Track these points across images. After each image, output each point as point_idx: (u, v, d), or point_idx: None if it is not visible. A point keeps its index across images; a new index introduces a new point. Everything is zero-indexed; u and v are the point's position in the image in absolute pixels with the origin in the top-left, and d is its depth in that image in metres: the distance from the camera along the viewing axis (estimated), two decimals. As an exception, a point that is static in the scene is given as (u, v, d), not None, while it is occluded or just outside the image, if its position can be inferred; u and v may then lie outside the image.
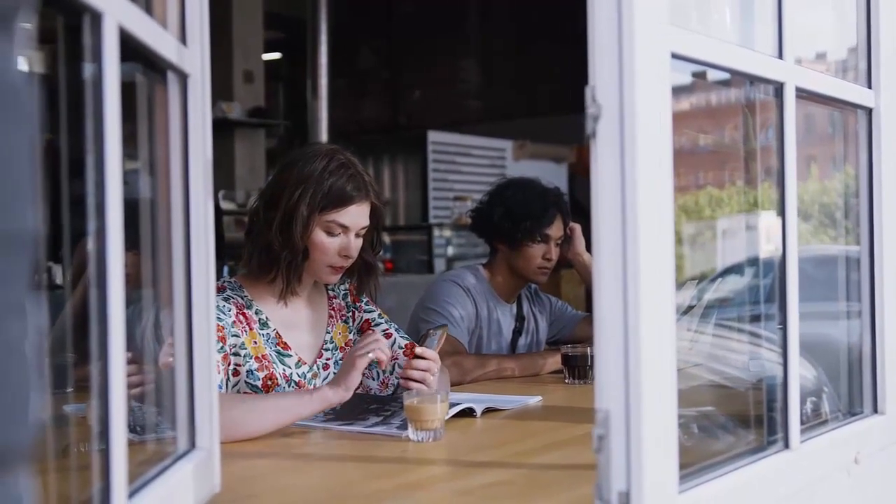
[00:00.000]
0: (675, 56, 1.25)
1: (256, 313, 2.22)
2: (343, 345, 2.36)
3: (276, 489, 1.60)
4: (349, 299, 2.42)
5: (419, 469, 1.72)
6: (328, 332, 2.35)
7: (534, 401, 2.35)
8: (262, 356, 2.18)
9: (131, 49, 1.11)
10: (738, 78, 1.60)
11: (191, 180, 1.37)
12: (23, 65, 0.60)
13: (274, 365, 2.19)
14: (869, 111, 1.81)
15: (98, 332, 1.01)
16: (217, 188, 1.66)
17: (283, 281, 2.22)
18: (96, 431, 1.06)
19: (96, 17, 0.99)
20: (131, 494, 1.09)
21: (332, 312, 2.38)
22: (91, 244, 1.02)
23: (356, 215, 2.21)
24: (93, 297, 1.02)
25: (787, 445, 1.51)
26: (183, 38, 1.35)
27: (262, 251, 2.20)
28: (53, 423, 1.33)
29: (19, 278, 0.58)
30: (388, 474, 1.67)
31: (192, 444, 1.37)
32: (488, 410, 2.19)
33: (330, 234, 2.19)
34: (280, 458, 1.81)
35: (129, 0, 1.08)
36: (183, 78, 1.35)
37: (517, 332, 3.13)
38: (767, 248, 1.98)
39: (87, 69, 1.02)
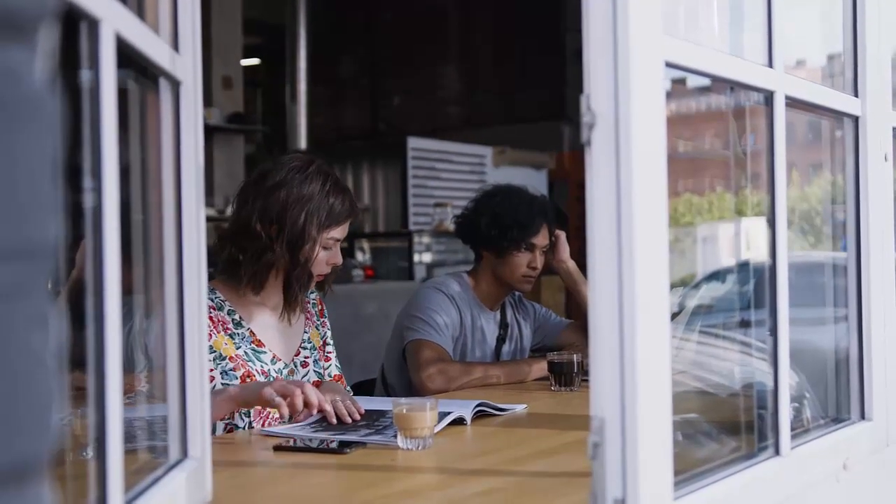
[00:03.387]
0: (668, 65, 1.25)
1: (229, 314, 2.29)
2: (318, 346, 2.47)
3: (267, 499, 1.59)
4: (317, 309, 2.52)
5: (410, 477, 1.72)
6: (306, 332, 2.44)
7: (520, 408, 2.35)
8: (236, 356, 2.24)
9: (125, 55, 1.10)
10: (718, 85, 1.61)
11: (183, 187, 1.36)
12: (45, 74, 0.59)
13: (250, 363, 2.26)
14: (855, 119, 1.83)
15: (94, 340, 1.00)
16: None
17: (293, 298, 2.31)
18: (88, 440, 1.05)
19: (93, 24, 0.98)
20: (126, 504, 1.08)
21: (308, 315, 2.47)
22: (87, 250, 1.01)
23: (347, 228, 2.36)
24: (88, 305, 1.01)
25: (777, 452, 1.52)
26: (175, 45, 1.34)
27: (265, 269, 2.27)
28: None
29: (41, 289, 0.58)
30: (379, 483, 1.66)
31: (185, 454, 1.36)
32: (479, 415, 2.20)
33: (326, 248, 2.31)
34: (271, 468, 1.81)
35: (125, 7, 1.08)
36: (175, 85, 1.34)
37: (501, 340, 3.13)
38: (749, 255, 1.99)
39: (83, 75, 1.01)
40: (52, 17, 0.60)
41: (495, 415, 2.25)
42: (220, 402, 2.00)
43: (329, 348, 2.52)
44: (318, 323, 2.50)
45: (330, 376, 2.42)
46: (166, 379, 1.36)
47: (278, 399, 1.96)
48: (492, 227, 3.00)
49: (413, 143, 8.10)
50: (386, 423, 2.08)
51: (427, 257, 7.46)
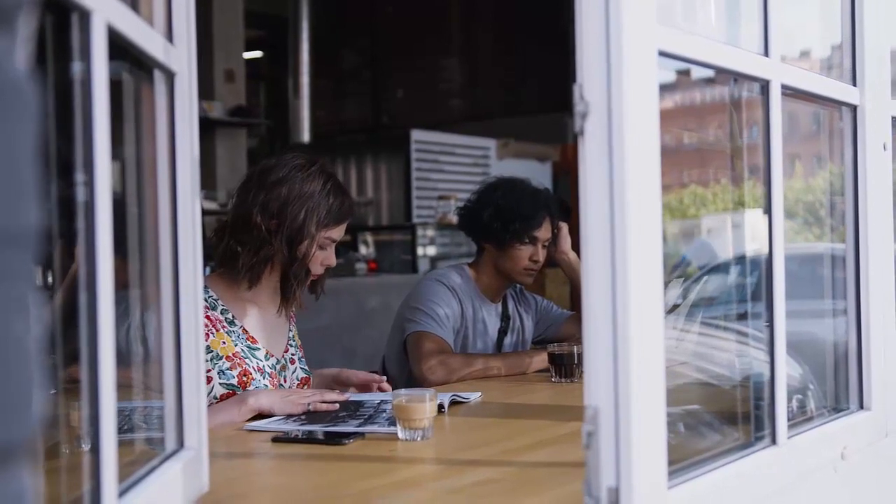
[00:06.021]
0: (662, 54, 1.25)
1: (222, 312, 2.31)
2: (299, 346, 2.51)
3: (265, 489, 1.60)
4: (294, 310, 2.54)
5: (408, 468, 1.72)
6: (290, 331, 2.48)
7: (474, 397, 2.38)
8: (234, 354, 2.27)
9: (118, 47, 1.10)
10: (723, 76, 1.61)
11: (178, 180, 1.36)
12: (24, 62, 0.60)
13: (247, 360, 2.28)
14: (853, 108, 1.82)
15: (87, 333, 1.00)
16: (198, 188, 1.71)
17: (291, 294, 2.34)
18: (84, 432, 1.05)
19: (85, 16, 0.99)
20: (121, 494, 1.08)
21: (292, 315, 2.51)
22: (80, 245, 1.01)
23: (343, 230, 2.39)
24: (82, 298, 1.01)
25: (774, 441, 1.52)
26: (170, 37, 1.34)
27: (262, 263, 2.29)
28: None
29: (23, 274, 0.58)
30: (377, 473, 1.67)
31: (181, 444, 1.37)
32: (454, 403, 2.25)
33: (321, 248, 2.33)
34: (269, 458, 1.81)
35: (117, -2, 1.08)
36: (170, 77, 1.34)
37: (503, 332, 3.13)
38: (752, 247, 1.99)
39: (75, 67, 1.01)
40: (31, 5, 0.60)
41: (464, 399, 2.31)
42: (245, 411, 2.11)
43: (298, 351, 2.56)
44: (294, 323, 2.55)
45: (297, 379, 2.44)
46: (162, 370, 1.37)
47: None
48: (494, 219, 3.00)
49: (416, 135, 8.10)
50: (369, 413, 2.09)
51: (431, 250, 7.46)
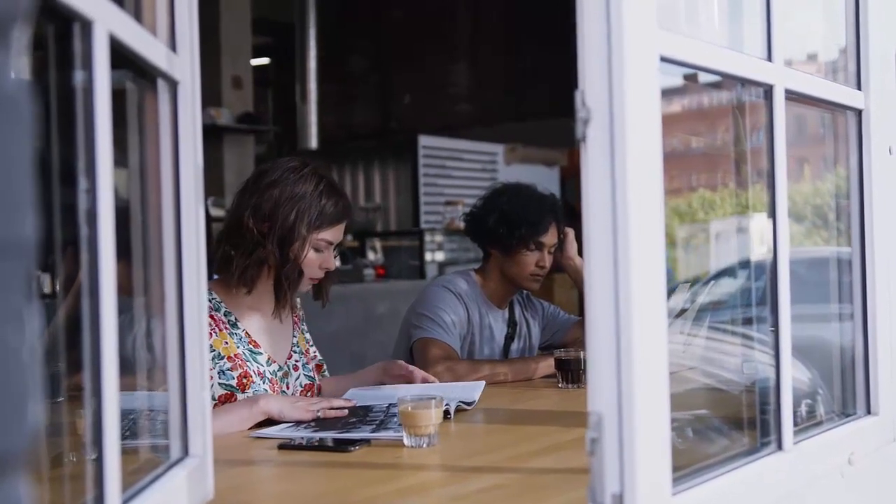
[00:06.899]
0: (664, 59, 1.25)
1: (226, 315, 2.32)
2: (304, 351, 2.50)
3: (270, 496, 1.60)
4: (301, 313, 2.56)
5: (414, 475, 1.72)
6: (294, 337, 2.48)
7: (479, 389, 2.40)
8: (235, 355, 2.28)
9: (121, 56, 1.11)
10: (729, 80, 1.61)
11: (182, 187, 1.36)
12: (20, 73, 0.60)
13: (248, 363, 2.29)
14: (858, 112, 1.82)
15: (91, 340, 1.01)
16: (206, 195, 1.68)
17: (283, 296, 2.33)
18: (88, 440, 1.06)
19: (86, 25, 0.99)
20: (125, 502, 1.09)
21: (296, 320, 2.51)
22: (82, 252, 1.02)
23: (341, 232, 2.37)
24: (85, 306, 1.01)
25: (780, 447, 1.51)
26: (173, 46, 1.35)
27: (255, 265, 2.29)
28: (44, 432, 1.32)
29: (18, 285, 0.58)
30: (383, 480, 1.66)
31: (186, 452, 1.37)
32: (460, 410, 2.24)
33: (317, 250, 2.33)
34: (274, 466, 1.81)
35: (119, 8, 1.08)
36: (173, 85, 1.35)
37: (509, 338, 3.13)
38: (760, 251, 1.98)
39: (77, 76, 1.02)
40: (26, 17, 0.61)
41: (469, 400, 2.30)
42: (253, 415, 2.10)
43: (312, 349, 2.57)
44: (303, 328, 2.55)
45: (301, 386, 2.45)
46: (167, 377, 1.37)
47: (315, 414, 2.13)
48: (500, 225, 3.00)
49: (424, 141, 8.10)
50: (379, 418, 2.09)
51: (438, 256, 7.46)
